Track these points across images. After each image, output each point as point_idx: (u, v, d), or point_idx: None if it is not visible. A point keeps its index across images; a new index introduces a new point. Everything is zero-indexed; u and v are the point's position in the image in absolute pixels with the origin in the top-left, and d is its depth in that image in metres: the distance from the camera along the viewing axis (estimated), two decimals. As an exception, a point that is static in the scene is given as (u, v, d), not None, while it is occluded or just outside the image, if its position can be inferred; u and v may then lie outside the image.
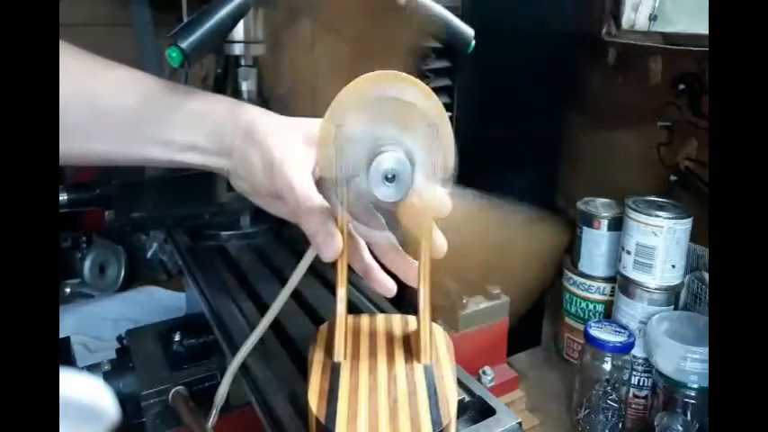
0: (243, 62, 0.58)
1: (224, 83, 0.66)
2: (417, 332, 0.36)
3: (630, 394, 0.72)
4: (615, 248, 0.76)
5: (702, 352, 0.61)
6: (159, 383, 0.54)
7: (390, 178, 0.31)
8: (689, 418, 0.63)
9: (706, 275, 0.74)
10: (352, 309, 0.54)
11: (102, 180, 0.65)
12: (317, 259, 0.38)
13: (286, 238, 0.71)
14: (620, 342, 0.66)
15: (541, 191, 0.81)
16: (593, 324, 0.69)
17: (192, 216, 0.71)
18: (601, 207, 0.80)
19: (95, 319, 0.92)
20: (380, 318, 0.41)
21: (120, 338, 0.64)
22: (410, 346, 0.37)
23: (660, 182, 0.86)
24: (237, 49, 0.57)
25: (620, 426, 0.70)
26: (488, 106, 0.70)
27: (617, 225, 0.76)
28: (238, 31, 0.55)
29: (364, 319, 0.41)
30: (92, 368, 0.57)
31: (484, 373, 0.69)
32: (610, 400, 0.69)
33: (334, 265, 0.36)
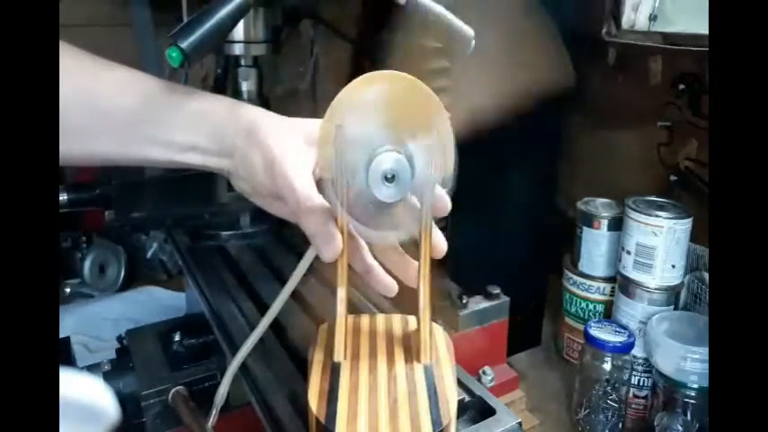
0: (243, 62, 0.58)
1: (224, 83, 0.66)
2: (417, 332, 0.36)
3: (630, 394, 0.72)
4: (615, 248, 0.76)
5: (702, 352, 0.61)
6: (159, 383, 0.54)
7: (390, 178, 0.31)
8: (689, 418, 0.63)
9: (706, 275, 0.74)
10: (353, 309, 0.54)
11: (102, 180, 0.65)
12: (317, 259, 0.38)
13: (286, 238, 0.72)
14: (620, 342, 0.66)
15: (541, 191, 0.81)
16: (593, 324, 0.69)
17: (192, 216, 0.71)
18: (601, 207, 0.80)
19: (95, 319, 0.92)
20: (380, 318, 0.41)
21: (120, 338, 0.64)
22: (410, 346, 0.37)
23: (660, 182, 0.86)
24: (237, 49, 0.57)
25: (620, 426, 0.70)
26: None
27: (617, 225, 0.76)
28: (238, 31, 0.55)
29: (364, 319, 0.41)
30: (92, 368, 0.57)
31: (484, 373, 0.69)
32: (610, 400, 0.69)
33: (334, 265, 0.36)
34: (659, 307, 0.70)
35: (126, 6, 0.95)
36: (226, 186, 0.66)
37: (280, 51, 0.62)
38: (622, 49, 0.89)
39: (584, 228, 0.80)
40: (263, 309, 0.51)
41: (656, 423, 0.62)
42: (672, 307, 0.71)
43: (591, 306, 0.81)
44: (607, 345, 0.66)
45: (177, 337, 0.59)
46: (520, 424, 0.40)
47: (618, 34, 0.86)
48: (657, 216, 0.68)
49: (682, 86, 0.80)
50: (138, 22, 0.92)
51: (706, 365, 0.60)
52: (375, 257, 0.40)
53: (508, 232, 0.76)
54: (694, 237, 0.70)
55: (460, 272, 0.71)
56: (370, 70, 0.32)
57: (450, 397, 0.33)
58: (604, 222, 0.78)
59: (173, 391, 0.53)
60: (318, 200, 0.36)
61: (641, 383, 0.72)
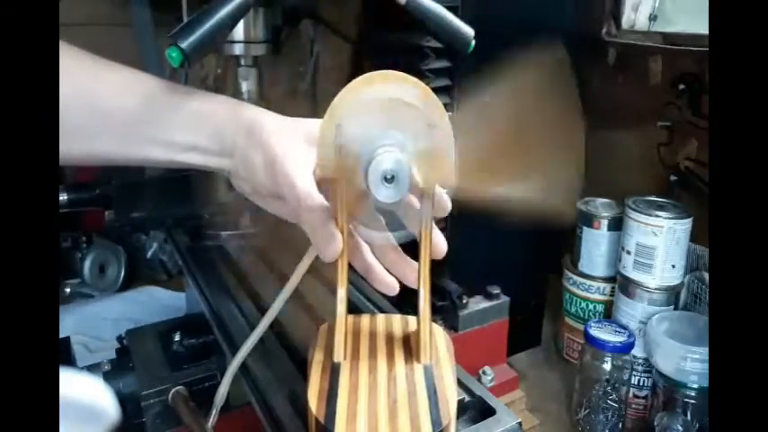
0: (243, 62, 0.58)
1: (224, 83, 0.66)
2: (417, 332, 0.36)
3: (630, 394, 0.72)
4: (615, 248, 0.76)
5: (702, 352, 0.61)
6: (159, 383, 0.54)
7: (389, 179, 0.31)
8: (689, 418, 0.63)
9: (706, 275, 0.74)
10: (353, 309, 0.54)
11: (102, 180, 0.65)
12: (317, 259, 0.38)
13: (286, 238, 0.71)
14: (620, 342, 0.66)
15: (541, 191, 0.81)
16: (593, 324, 0.69)
17: (192, 216, 0.71)
18: (601, 207, 0.80)
19: (95, 319, 0.92)
20: (381, 318, 0.41)
21: (120, 338, 0.64)
22: (410, 347, 0.37)
23: (660, 182, 0.86)
24: (237, 49, 0.56)
25: (620, 426, 0.70)
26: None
27: (617, 225, 0.76)
28: (238, 31, 0.55)
29: (364, 320, 0.41)
30: (92, 368, 0.57)
31: (484, 373, 0.69)
32: (610, 400, 0.69)
33: (334, 264, 0.36)
34: (659, 307, 0.70)
35: (126, 6, 0.95)
36: (226, 186, 0.66)
37: (280, 51, 0.62)
38: (622, 49, 0.89)
39: (584, 228, 0.80)
40: (263, 309, 0.51)
41: (656, 423, 0.62)
42: (672, 307, 0.71)
43: (591, 306, 0.81)
44: (607, 345, 0.66)
45: (177, 337, 0.59)
46: (520, 424, 0.40)
47: (618, 34, 0.86)
48: (657, 216, 0.68)
49: (682, 86, 0.80)
50: (138, 22, 0.92)
51: (706, 365, 0.60)
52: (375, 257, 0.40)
53: (508, 232, 0.76)
54: (694, 237, 0.70)
55: (460, 272, 0.71)
56: (370, 70, 0.32)
57: (450, 397, 0.33)
58: (604, 222, 0.78)
59: (173, 391, 0.53)
60: (319, 199, 0.36)
61: (641, 383, 0.72)
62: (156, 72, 0.42)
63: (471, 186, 0.34)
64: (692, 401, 0.63)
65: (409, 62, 0.64)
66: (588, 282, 0.81)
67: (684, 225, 0.68)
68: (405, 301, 0.50)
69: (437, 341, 0.38)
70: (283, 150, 0.38)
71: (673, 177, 0.84)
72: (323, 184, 0.36)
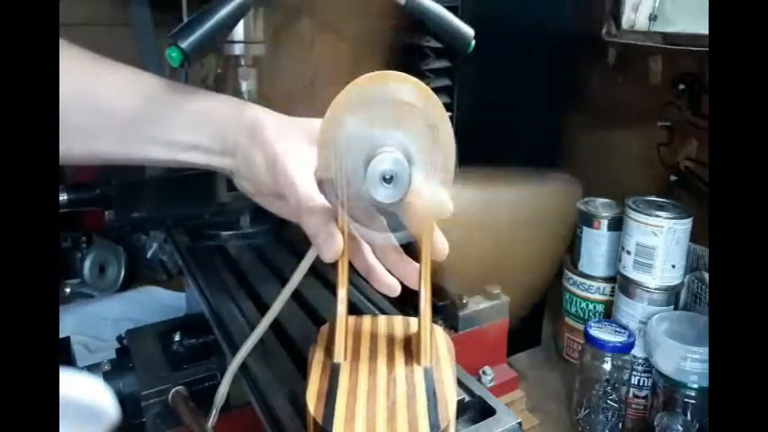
0: (243, 62, 0.58)
1: (224, 83, 0.66)
2: (418, 334, 0.36)
3: (630, 394, 0.72)
4: (615, 248, 0.76)
5: (702, 352, 0.61)
6: (159, 383, 0.54)
7: (388, 179, 0.31)
8: (689, 418, 0.63)
9: (706, 275, 0.74)
10: (353, 309, 0.54)
11: (102, 180, 0.65)
12: (317, 259, 0.38)
13: (286, 238, 0.71)
14: (620, 342, 0.66)
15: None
16: (593, 324, 0.69)
17: (192, 216, 0.71)
18: (601, 207, 0.80)
19: (95, 319, 0.92)
20: (382, 319, 0.41)
21: (120, 338, 0.64)
22: (411, 348, 0.37)
23: (660, 182, 0.86)
24: (237, 49, 0.56)
25: (620, 426, 0.70)
26: (488, 106, 0.70)
27: (617, 225, 0.76)
28: (238, 31, 0.55)
29: (365, 321, 0.41)
30: (92, 368, 0.57)
31: (484, 373, 0.69)
32: (610, 400, 0.69)
33: (334, 265, 0.36)
34: (659, 307, 0.70)
35: (126, 6, 0.95)
36: (226, 186, 0.66)
37: (280, 51, 0.62)
38: (622, 49, 0.89)
39: (585, 228, 0.80)
40: (263, 309, 0.51)
41: (656, 423, 0.62)
42: (672, 307, 0.71)
43: (591, 306, 0.81)
44: (607, 345, 0.66)
45: (177, 337, 0.58)
46: (520, 424, 0.40)
47: (618, 34, 0.86)
48: (657, 216, 0.68)
49: (682, 86, 0.80)
50: (138, 22, 0.92)
51: (706, 365, 0.60)
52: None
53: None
54: (694, 237, 0.70)
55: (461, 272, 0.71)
56: (370, 70, 0.32)
57: (450, 400, 0.33)
58: (604, 222, 0.78)
59: (173, 391, 0.53)
60: (320, 199, 0.36)
61: (641, 383, 0.72)
62: (156, 72, 0.42)
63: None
64: (692, 401, 0.63)
65: (409, 62, 0.64)
66: (588, 282, 0.81)
67: (684, 225, 0.68)
68: (405, 301, 0.50)
69: (438, 343, 0.38)
70: (285, 150, 0.38)
71: (673, 177, 0.84)
72: (324, 185, 0.36)
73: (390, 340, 0.38)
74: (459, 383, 0.43)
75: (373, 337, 0.39)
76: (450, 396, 0.33)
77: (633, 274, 0.71)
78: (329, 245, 0.35)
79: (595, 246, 0.79)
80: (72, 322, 0.90)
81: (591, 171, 0.95)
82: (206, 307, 0.57)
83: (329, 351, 0.36)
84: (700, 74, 0.79)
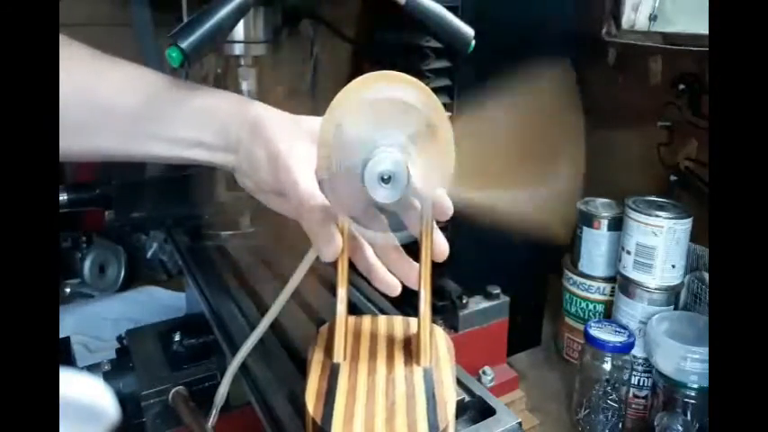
0: (243, 62, 0.58)
1: (224, 83, 0.66)
2: (418, 335, 0.36)
3: (630, 394, 0.72)
4: (615, 248, 0.76)
5: (702, 352, 0.61)
6: (159, 383, 0.54)
7: (386, 179, 0.31)
8: (689, 418, 0.63)
9: (706, 275, 0.74)
10: (353, 309, 0.54)
11: (102, 180, 0.65)
12: (317, 259, 0.38)
13: (286, 238, 0.71)
14: (620, 342, 0.66)
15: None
16: (593, 324, 0.69)
17: (192, 216, 0.71)
18: (601, 207, 0.80)
19: (95, 319, 0.92)
20: (382, 319, 0.41)
21: (120, 338, 0.64)
22: (410, 349, 0.37)
23: (660, 182, 0.86)
24: (237, 49, 0.56)
25: (620, 426, 0.70)
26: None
27: (617, 225, 0.76)
28: (238, 31, 0.55)
29: (365, 321, 0.41)
30: (92, 368, 0.57)
31: (484, 373, 0.69)
32: (610, 400, 0.69)
33: (334, 265, 0.36)
34: (659, 307, 0.70)
35: (126, 6, 0.95)
36: (226, 186, 0.66)
37: (280, 51, 0.62)
38: (622, 49, 0.89)
39: (584, 228, 0.80)
40: (263, 309, 0.51)
41: (656, 423, 0.62)
42: (672, 307, 0.71)
43: (591, 306, 0.81)
44: (607, 345, 0.66)
45: (177, 337, 0.59)
46: (520, 424, 0.40)
47: (618, 34, 0.86)
48: (657, 216, 0.68)
49: (682, 86, 0.80)
50: (138, 22, 0.92)
51: (706, 365, 0.60)
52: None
53: (508, 232, 0.76)
54: (694, 237, 0.70)
55: (460, 272, 0.71)
56: (370, 70, 0.32)
57: (449, 401, 0.33)
58: (604, 222, 0.78)
59: (173, 391, 0.53)
60: (321, 198, 0.36)
61: (641, 383, 0.72)
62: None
63: (470, 193, 0.34)
64: (692, 401, 0.63)
65: (409, 62, 0.64)
66: (588, 282, 0.81)
67: (684, 225, 0.68)
68: (405, 301, 0.50)
69: (437, 343, 0.38)
70: (287, 147, 0.38)
71: (673, 177, 0.84)
72: (323, 184, 0.36)
73: (390, 340, 0.38)
74: (459, 383, 0.43)
75: (373, 337, 0.39)
76: (450, 397, 0.33)
77: (633, 274, 0.71)
78: (329, 244, 0.35)
79: (595, 246, 0.79)
80: (72, 322, 0.90)
81: (591, 171, 0.95)
82: (206, 307, 0.57)
83: (329, 351, 0.36)
84: (700, 74, 0.79)
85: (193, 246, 0.70)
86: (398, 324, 0.41)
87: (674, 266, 0.69)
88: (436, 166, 0.32)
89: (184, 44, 0.38)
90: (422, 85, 0.32)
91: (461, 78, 0.67)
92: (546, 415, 0.75)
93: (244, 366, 0.45)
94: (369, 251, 0.40)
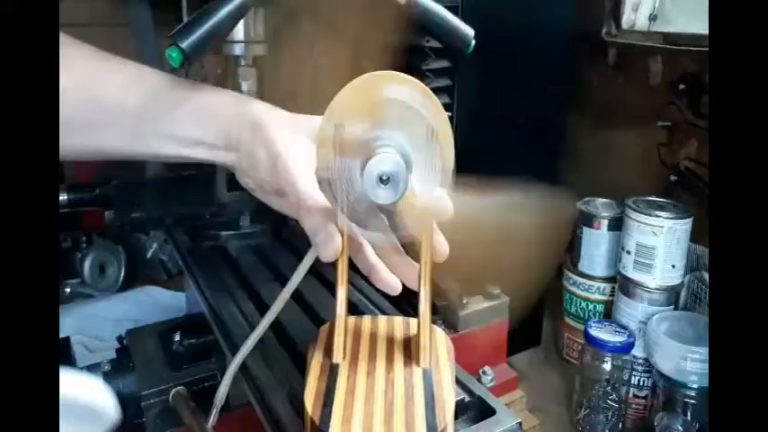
0: (243, 62, 0.58)
1: (224, 83, 0.66)
2: (417, 336, 0.36)
3: (630, 394, 0.72)
4: (615, 248, 0.76)
5: (702, 352, 0.61)
6: (159, 383, 0.54)
7: (385, 180, 0.31)
8: (689, 418, 0.63)
9: (706, 275, 0.74)
10: (353, 309, 0.54)
11: (102, 180, 0.65)
12: (317, 259, 0.38)
13: (286, 238, 0.72)
14: (620, 342, 0.66)
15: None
16: (593, 324, 0.69)
17: (192, 216, 0.71)
18: (601, 207, 0.80)
19: (95, 319, 0.92)
20: (382, 319, 0.41)
21: (120, 338, 0.64)
22: (410, 350, 0.37)
23: (660, 182, 0.86)
24: (237, 49, 0.56)
25: (620, 426, 0.70)
26: (488, 106, 0.70)
27: (617, 225, 0.76)
28: (238, 31, 0.55)
29: (365, 321, 0.41)
30: (92, 368, 0.57)
31: (484, 373, 0.69)
32: (610, 400, 0.69)
33: (334, 265, 0.36)
34: (659, 307, 0.70)
35: (126, 6, 0.95)
36: (226, 186, 0.66)
37: (280, 51, 0.62)
38: (622, 49, 0.89)
39: (584, 228, 0.80)
40: (263, 309, 0.51)
41: (656, 423, 0.62)
42: (672, 307, 0.71)
43: (591, 306, 0.81)
44: (607, 345, 0.66)
45: (177, 337, 0.58)
46: (520, 424, 0.40)
47: (618, 34, 0.86)
48: (657, 216, 0.68)
49: (682, 86, 0.80)
50: (138, 22, 0.92)
51: (706, 365, 0.60)
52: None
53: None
54: (694, 237, 0.70)
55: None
56: (370, 70, 0.32)
57: (448, 402, 0.33)
58: (604, 222, 0.78)
59: (173, 391, 0.53)
60: (321, 198, 0.36)
61: (641, 383, 0.72)
62: (156, 72, 0.42)
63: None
64: (692, 401, 0.63)
65: (409, 62, 0.64)
66: (588, 282, 0.81)
67: (684, 225, 0.68)
68: (405, 301, 0.50)
69: (437, 344, 0.38)
70: (287, 147, 0.38)
71: (673, 177, 0.84)
72: (323, 184, 0.36)
73: (390, 341, 0.38)
74: (459, 383, 0.43)
75: (373, 337, 0.39)
76: (449, 398, 0.33)
77: (633, 274, 0.71)
78: (328, 244, 0.35)
79: (595, 246, 0.79)
80: (72, 322, 0.90)
81: (591, 171, 0.95)
82: (206, 307, 0.57)
83: (328, 351, 0.36)
84: (700, 74, 0.79)
85: (193, 246, 0.70)
86: (398, 324, 0.41)
87: (674, 266, 0.69)
88: (436, 166, 0.32)
89: (184, 44, 0.38)
90: (422, 85, 0.32)
91: (461, 78, 0.67)
92: (546, 415, 0.75)
93: (244, 366, 0.45)
94: (369, 251, 0.40)
